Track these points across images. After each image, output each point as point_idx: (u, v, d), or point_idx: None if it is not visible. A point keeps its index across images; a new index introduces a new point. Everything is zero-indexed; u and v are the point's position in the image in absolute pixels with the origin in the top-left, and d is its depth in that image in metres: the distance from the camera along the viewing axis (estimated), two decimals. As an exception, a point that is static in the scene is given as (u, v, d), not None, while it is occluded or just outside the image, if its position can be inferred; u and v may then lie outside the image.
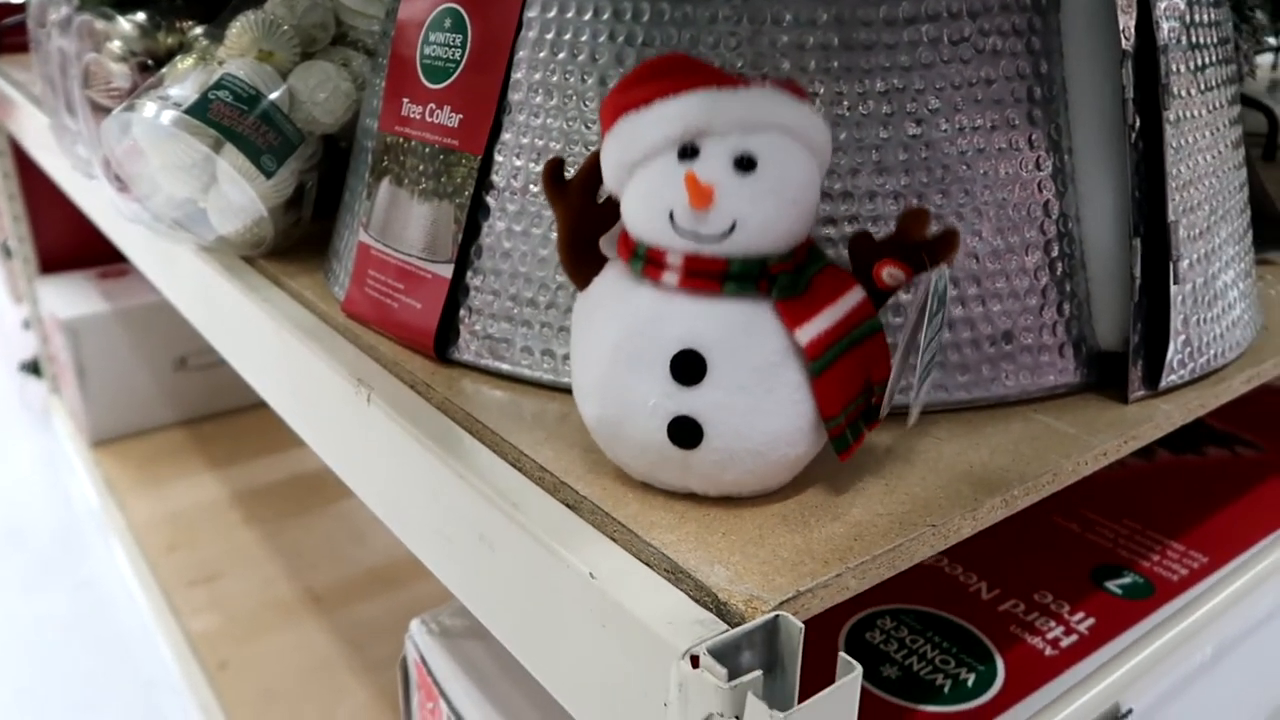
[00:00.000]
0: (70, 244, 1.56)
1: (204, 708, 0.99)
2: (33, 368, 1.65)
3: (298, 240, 0.54)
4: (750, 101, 0.27)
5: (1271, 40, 0.53)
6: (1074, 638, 0.45)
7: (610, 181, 0.29)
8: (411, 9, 0.43)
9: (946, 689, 0.42)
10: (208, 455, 1.42)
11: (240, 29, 0.52)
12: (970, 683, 0.42)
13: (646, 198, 0.28)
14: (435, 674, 0.45)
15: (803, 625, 0.24)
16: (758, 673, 0.23)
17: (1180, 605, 0.46)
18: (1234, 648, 0.50)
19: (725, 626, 0.25)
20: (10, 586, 1.27)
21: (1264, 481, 0.59)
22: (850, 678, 0.23)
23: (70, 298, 1.45)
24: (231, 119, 0.49)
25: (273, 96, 0.51)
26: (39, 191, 1.52)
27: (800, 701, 0.23)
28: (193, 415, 1.50)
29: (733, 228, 0.27)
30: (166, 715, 1.06)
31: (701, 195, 0.26)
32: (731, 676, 0.23)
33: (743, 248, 0.27)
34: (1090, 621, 0.46)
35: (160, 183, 0.54)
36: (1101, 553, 0.52)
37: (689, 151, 0.27)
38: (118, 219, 0.66)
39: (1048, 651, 0.44)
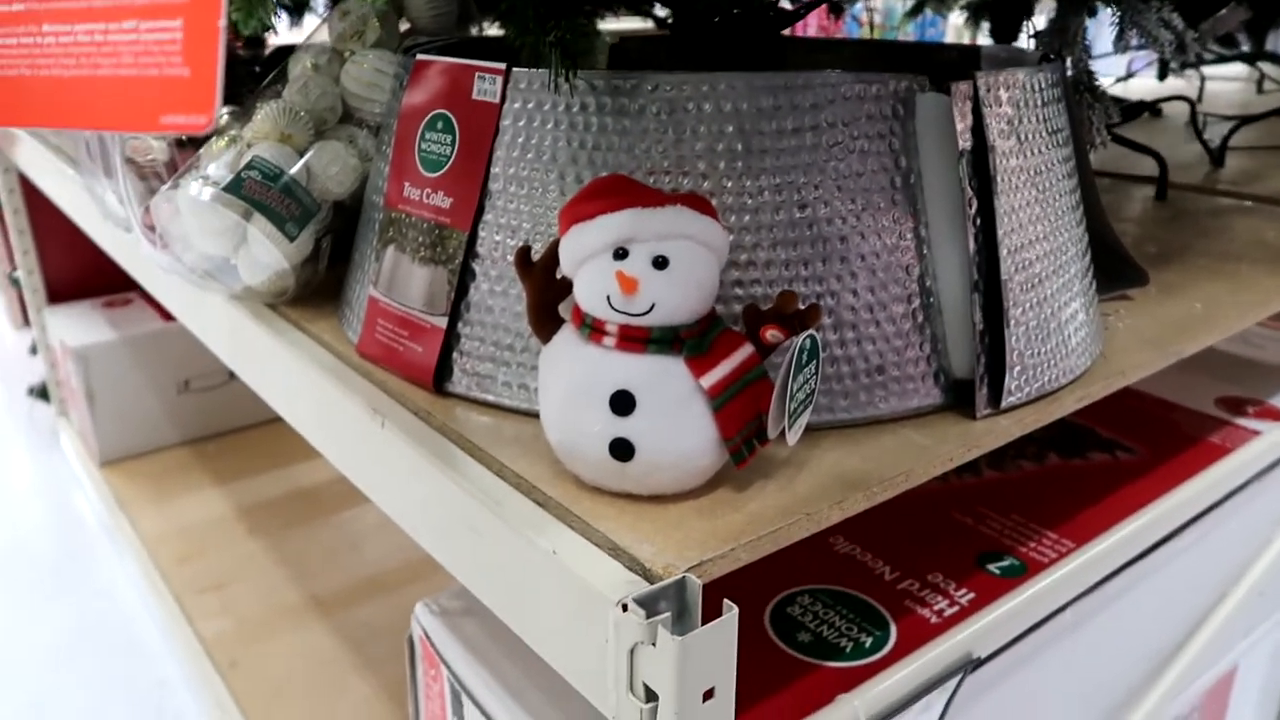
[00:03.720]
0: (74, 275, 1.65)
1: (219, 703, 1.09)
2: (41, 392, 1.74)
3: (314, 289, 0.64)
4: (665, 218, 0.38)
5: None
6: (955, 608, 0.56)
7: (565, 269, 0.40)
8: (411, 111, 0.53)
9: (848, 649, 0.53)
10: (212, 472, 1.51)
11: (264, 116, 0.62)
12: (868, 644, 0.53)
13: (591, 285, 0.39)
14: (437, 646, 0.55)
15: (701, 583, 0.35)
16: (668, 614, 0.34)
17: (1042, 581, 0.57)
18: (1093, 615, 0.61)
19: (648, 585, 0.36)
20: (27, 598, 1.36)
21: (1134, 480, 0.70)
22: (729, 615, 0.34)
23: (78, 326, 1.54)
24: (260, 193, 0.60)
25: (293, 172, 0.61)
26: (44, 225, 1.62)
27: (699, 636, 0.34)
28: (196, 435, 1.60)
29: (652, 308, 0.38)
30: (182, 712, 1.16)
31: (628, 286, 0.37)
32: (649, 616, 0.34)
33: (660, 321, 0.38)
34: (970, 595, 0.57)
35: (195, 242, 0.64)
36: (988, 541, 0.63)
37: (620, 253, 0.38)
38: (149, 268, 0.76)
39: (933, 620, 0.55)
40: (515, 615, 0.42)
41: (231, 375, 1.59)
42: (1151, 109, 1.35)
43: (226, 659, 1.12)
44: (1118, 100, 0.93)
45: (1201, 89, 1.70)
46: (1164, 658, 0.73)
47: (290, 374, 0.57)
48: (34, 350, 1.77)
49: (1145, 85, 1.63)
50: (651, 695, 0.35)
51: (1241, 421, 0.78)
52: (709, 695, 0.34)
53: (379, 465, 0.50)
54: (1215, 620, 0.74)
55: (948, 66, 0.68)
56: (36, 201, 1.57)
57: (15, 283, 1.73)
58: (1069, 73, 0.65)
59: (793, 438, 0.41)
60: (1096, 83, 0.64)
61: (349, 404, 0.51)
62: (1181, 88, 1.75)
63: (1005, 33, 0.87)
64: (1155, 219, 0.88)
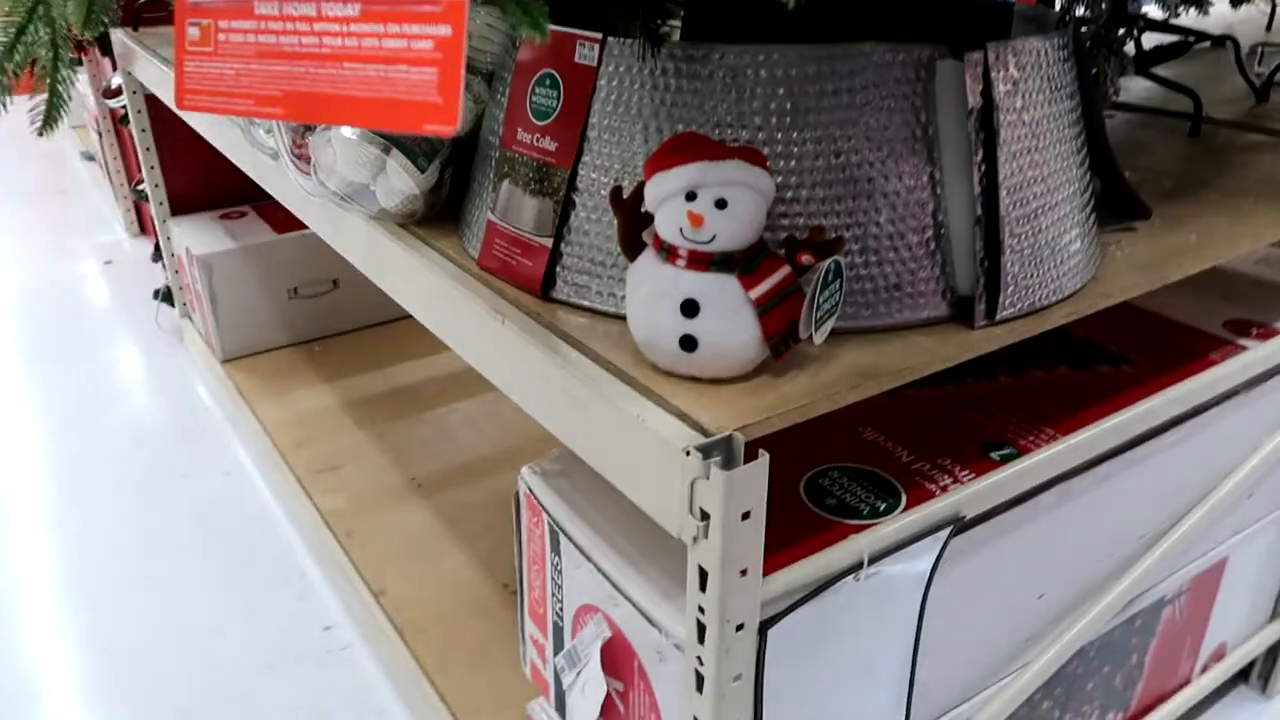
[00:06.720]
0: (193, 189, 1.82)
1: (339, 566, 1.27)
2: (166, 296, 1.93)
3: (436, 212, 0.78)
4: (726, 169, 0.50)
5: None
6: (956, 484, 0.69)
7: (648, 206, 0.53)
8: (523, 68, 0.65)
9: (865, 511, 0.66)
10: (320, 371, 1.69)
11: (398, 66, 0.75)
12: (881, 508, 0.66)
13: (667, 219, 0.51)
14: (538, 497, 0.70)
15: (744, 439, 0.48)
16: (718, 457, 0.47)
17: (1027, 460, 0.69)
18: (1077, 497, 0.73)
19: (704, 438, 0.49)
20: (164, 476, 1.56)
21: (1131, 388, 0.81)
22: (762, 460, 0.47)
23: (201, 236, 1.71)
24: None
25: (421, 115, 0.74)
26: (165, 143, 1.78)
27: (741, 475, 0.47)
28: (304, 337, 1.78)
29: (713, 238, 0.50)
30: (305, 569, 1.35)
31: (696, 221, 0.50)
32: (705, 459, 0.47)
33: (719, 247, 0.51)
34: (971, 475, 0.69)
35: (340, 170, 0.78)
36: (993, 434, 0.75)
37: (690, 196, 0.50)
38: (292, 190, 0.91)
39: (937, 492, 0.68)
40: (607, 465, 0.56)
41: (335, 284, 1.76)
42: (1182, 47, 1.38)
43: (343, 529, 1.31)
44: (1180, 30, 0.98)
45: (1272, 17, 1.70)
46: (1147, 545, 0.84)
47: (423, 283, 0.71)
48: (155, 257, 1.96)
49: (1218, 11, 1.65)
50: (705, 515, 0.48)
51: (1242, 341, 0.88)
52: (746, 516, 0.48)
53: (499, 354, 0.64)
54: (1196, 515, 0.85)
55: (981, 25, 0.77)
56: (159, 121, 1.73)
57: (141, 195, 1.91)
58: (1104, 18, 0.73)
59: (819, 338, 0.53)
60: (1116, 36, 0.73)
61: (475, 307, 0.65)
62: (1253, 15, 1.75)
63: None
64: (1181, 155, 0.96)
